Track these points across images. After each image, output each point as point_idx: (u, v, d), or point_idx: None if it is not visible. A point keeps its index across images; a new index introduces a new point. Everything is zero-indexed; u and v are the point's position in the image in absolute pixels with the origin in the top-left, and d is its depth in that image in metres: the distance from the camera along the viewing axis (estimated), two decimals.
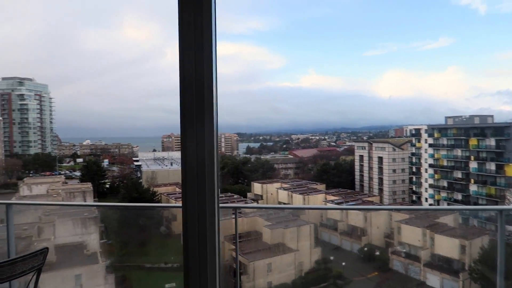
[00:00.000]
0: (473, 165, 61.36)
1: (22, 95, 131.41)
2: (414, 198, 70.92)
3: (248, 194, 70.29)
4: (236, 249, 3.08)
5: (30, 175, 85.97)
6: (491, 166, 59.39)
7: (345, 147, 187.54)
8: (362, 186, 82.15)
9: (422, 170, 69.04)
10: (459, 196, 61.54)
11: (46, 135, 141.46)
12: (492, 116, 69.80)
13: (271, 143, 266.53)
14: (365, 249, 32.56)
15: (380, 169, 77.12)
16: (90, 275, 17.21)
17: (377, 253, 32.26)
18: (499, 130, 59.08)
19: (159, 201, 56.21)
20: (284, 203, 63.67)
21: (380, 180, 77.01)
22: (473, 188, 60.65)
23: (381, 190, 76.33)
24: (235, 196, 58.39)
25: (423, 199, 68.34)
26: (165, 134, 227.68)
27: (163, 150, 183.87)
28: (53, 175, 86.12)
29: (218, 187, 1.70)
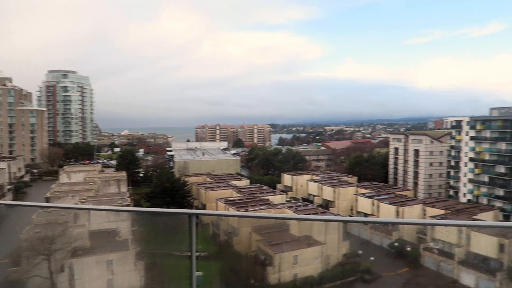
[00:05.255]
0: None
1: (65, 87, 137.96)
2: (451, 193, 68.01)
3: (278, 186, 70.20)
4: (191, 264, 2.98)
5: (71, 163, 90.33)
6: None
7: (381, 139, 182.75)
8: (396, 179, 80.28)
9: (462, 164, 65.89)
10: (500, 192, 58.34)
11: (86, 125, 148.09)
12: None
13: (304, 135, 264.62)
14: (396, 244, 31.72)
15: (416, 162, 75.15)
16: (121, 261, 17.91)
17: (408, 248, 31.31)
18: None
19: (189, 191, 57.30)
20: (314, 195, 63.32)
21: (415, 174, 75.10)
22: None
23: (415, 184, 74.28)
24: (264, 187, 58.46)
25: (461, 194, 65.38)
26: (199, 125, 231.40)
27: (197, 140, 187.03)
28: (91, 163, 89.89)
29: None
